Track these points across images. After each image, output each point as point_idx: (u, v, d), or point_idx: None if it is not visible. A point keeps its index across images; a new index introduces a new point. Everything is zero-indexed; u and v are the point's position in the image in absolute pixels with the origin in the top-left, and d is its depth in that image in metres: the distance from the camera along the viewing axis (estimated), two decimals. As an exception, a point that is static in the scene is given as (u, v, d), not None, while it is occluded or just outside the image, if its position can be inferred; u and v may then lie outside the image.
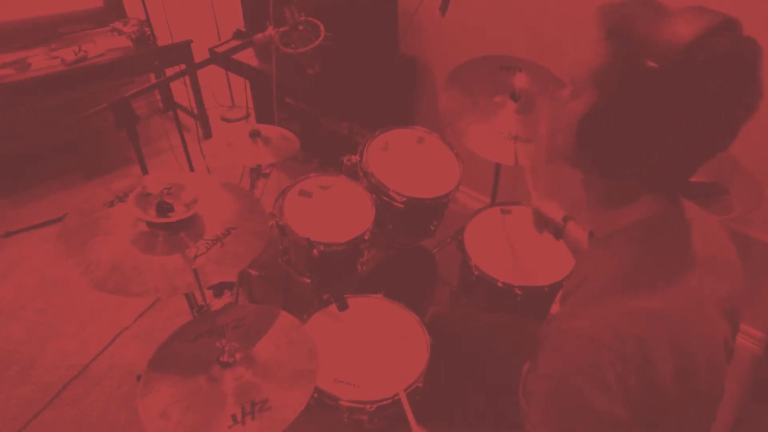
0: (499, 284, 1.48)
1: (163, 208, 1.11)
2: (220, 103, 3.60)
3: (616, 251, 0.76)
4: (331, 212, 1.50)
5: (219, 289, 1.98)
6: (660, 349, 0.66)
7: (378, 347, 1.29)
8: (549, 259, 1.57)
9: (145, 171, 1.33)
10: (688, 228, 0.76)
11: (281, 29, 1.38)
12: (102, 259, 1.05)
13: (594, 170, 0.76)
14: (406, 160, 1.68)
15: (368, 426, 1.29)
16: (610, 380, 0.65)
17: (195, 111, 3.21)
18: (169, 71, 3.24)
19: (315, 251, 1.32)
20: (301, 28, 1.39)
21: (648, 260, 0.73)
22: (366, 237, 1.44)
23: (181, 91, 3.29)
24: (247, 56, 2.80)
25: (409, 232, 1.68)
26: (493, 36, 2.21)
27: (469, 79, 1.77)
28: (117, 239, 1.10)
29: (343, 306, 1.32)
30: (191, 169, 2.00)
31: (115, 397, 1.87)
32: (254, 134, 1.50)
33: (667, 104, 0.64)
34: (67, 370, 1.95)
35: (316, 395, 1.18)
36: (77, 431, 1.77)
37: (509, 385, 1.11)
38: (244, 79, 3.10)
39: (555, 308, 0.87)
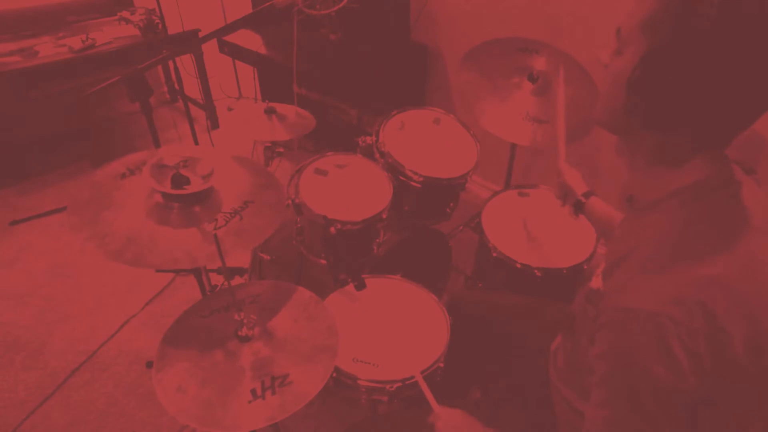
0: (518, 265, 1.45)
1: (179, 181, 1.09)
2: (228, 95, 3.57)
3: (666, 217, 0.73)
4: (348, 191, 1.47)
5: (230, 275, 1.95)
6: (728, 316, 0.63)
7: (397, 327, 1.26)
8: (568, 241, 1.54)
9: (158, 145, 1.31)
10: (740, 190, 0.72)
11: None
12: (117, 231, 1.02)
13: (645, 125, 0.73)
14: (423, 141, 1.65)
15: (386, 408, 1.26)
16: (677, 354, 0.62)
17: (202, 101, 3.19)
18: (178, 60, 3.22)
19: (332, 229, 1.29)
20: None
21: (702, 225, 0.70)
22: (384, 216, 1.41)
23: (188, 83, 3.27)
24: (256, 44, 2.78)
25: (424, 215, 1.65)
26: (506, 23, 2.17)
27: (485, 60, 1.75)
28: (131, 211, 1.07)
29: (360, 285, 1.29)
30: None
31: (123, 382, 1.84)
32: (269, 111, 1.47)
33: (726, 49, 0.61)
34: (76, 356, 1.93)
35: (334, 374, 1.15)
36: (86, 416, 1.74)
37: (536, 365, 1.08)
38: (252, 67, 3.07)
39: (597, 283, 0.83)
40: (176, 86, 3.41)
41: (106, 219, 1.04)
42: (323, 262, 1.44)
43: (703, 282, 0.65)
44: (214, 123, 3.32)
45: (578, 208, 1.22)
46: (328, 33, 1.51)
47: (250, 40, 2.81)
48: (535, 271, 1.44)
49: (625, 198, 0.85)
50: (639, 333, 0.65)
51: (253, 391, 0.94)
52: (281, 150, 1.54)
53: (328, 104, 2.80)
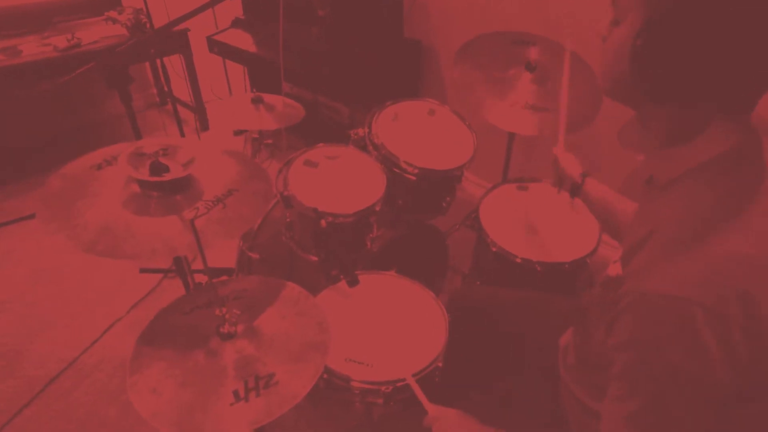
0: (518, 260, 1.39)
1: (158, 169, 1.02)
2: (218, 96, 3.51)
3: (691, 194, 0.66)
4: (340, 182, 1.40)
5: (217, 275, 1.88)
6: (765, 301, 0.56)
7: (392, 326, 1.18)
8: (569, 235, 1.48)
9: (138, 137, 1.23)
10: None
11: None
12: (90, 221, 0.95)
13: (655, 96, 0.66)
14: (417, 132, 1.58)
15: (381, 411, 1.18)
16: (708, 343, 0.55)
17: (192, 103, 3.12)
18: (167, 61, 3.16)
19: (323, 222, 1.21)
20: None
21: (734, 200, 0.63)
22: (377, 208, 1.34)
23: (178, 85, 3.20)
24: (246, 42, 2.73)
25: (420, 209, 1.58)
26: (500, 17, 2.13)
27: (480, 53, 1.70)
28: (106, 201, 1.00)
29: (353, 282, 1.22)
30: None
31: (105, 391, 1.75)
32: (256, 100, 1.40)
33: (735, 2, 0.54)
34: (56, 364, 1.84)
35: (325, 375, 1.07)
36: (65, 427, 1.65)
37: (544, 361, 1.01)
38: (243, 67, 3.01)
39: (615, 270, 0.76)
40: (165, 88, 3.35)
41: (79, 210, 0.97)
42: (314, 258, 1.36)
43: (736, 262, 0.58)
44: (203, 125, 3.25)
45: (575, 190, 1.16)
46: (317, 9, 1.45)
47: (240, 39, 2.76)
48: (536, 265, 1.38)
49: (643, 180, 0.78)
50: (663, 321, 0.58)
51: (236, 393, 0.86)
52: (269, 141, 1.47)
53: (320, 103, 2.74)
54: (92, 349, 1.89)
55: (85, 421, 1.67)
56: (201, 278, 1.81)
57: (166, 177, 0.99)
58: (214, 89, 3.47)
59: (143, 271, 2.09)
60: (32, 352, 1.88)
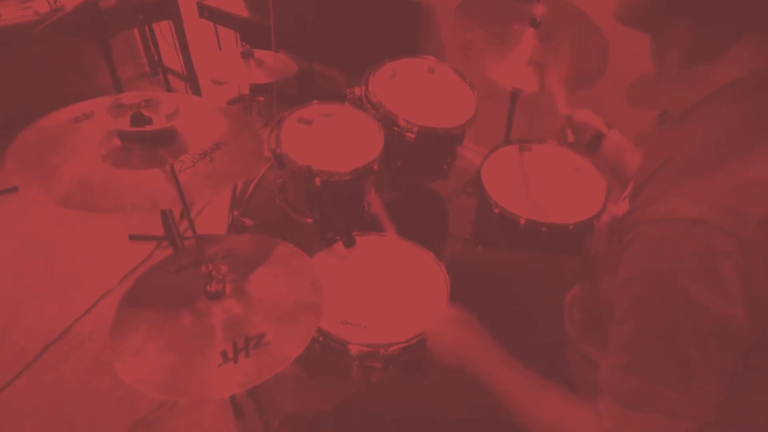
0: (522, 222, 1.33)
1: (140, 120, 0.95)
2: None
3: (711, 118, 0.60)
4: (335, 140, 1.33)
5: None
6: None
7: (391, 288, 1.13)
8: (573, 197, 1.42)
9: (120, 91, 1.16)
10: None
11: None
12: (66, 174, 0.88)
13: (674, 10, 0.59)
14: (417, 90, 1.51)
15: (380, 376, 1.14)
16: (727, 274, 0.49)
17: (183, 72, 3.02)
18: (156, 28, 3.06)
19: (317, 180, 1.15)
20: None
21: (759, 122, 0.56)
22: (375, 167, 1.27)
23: (169, 54, 3.10)
24: (238, 7, 2.63)
25: (420, 171, 1.52)
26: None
27: (482, 10, 1.62)
28: (84, 154, 0.93)
29: (349, 242, 1.16)
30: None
31: (98, 361, 1.71)
32: (246, 54, 1.33)
33: None
34: (47, 335, 1.79)
35: (321, 339, 1.02)
36: (56, 398, 1.61)
37: (549, 322, 0.96)
38: (234, 32, 2.91)
39: (622, 208, 0.70)
40: (155, 57, 3.24)
41: (53, 162, 0.90)
42: (309, 221, 1.30)
43: (762, 186, 0.51)
44: (196, 93, 3.15)
45: (595, 143, 1.10)
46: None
47: (230, 3, 2.66)
48: (541, 227, 1.32)
49: (657, 116, 0.72)
50: (677, 247, 0.51)
51: (224, 353, 0.81)
52: (261, 99, 1.39)
53: (314, 72, 2.65)
54: (84, 319, 1.85)
55: (77, 392, 1.63)
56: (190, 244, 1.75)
57: (148, 128, 0.92)
58: (206, 60, 3.37)
59: (133, 237, 2.03)
60: (21, 324, 1.84)
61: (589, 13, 1.56)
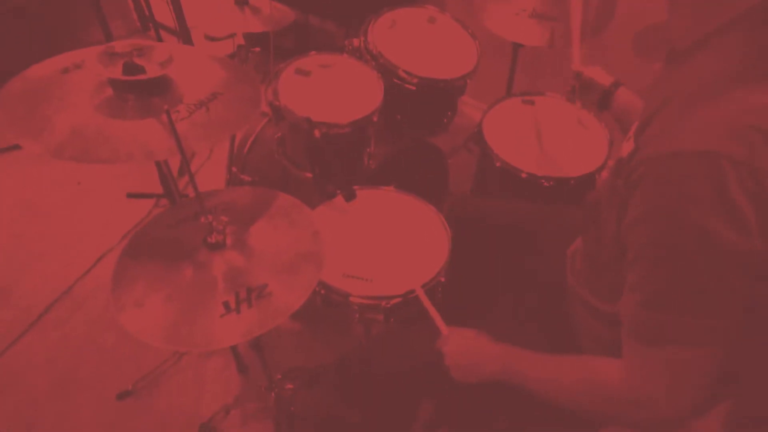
0: (524, 175, 1.31)
1: (132, 69, 0.92)
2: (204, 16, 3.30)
3: (720, 50, 0.58)
4: (334, 91, 1.30)
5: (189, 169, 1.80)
6: None
7: (391, 241, 1.13)
8: (577, 151, 1.40)
9: (110, 39, 1.12)
10: None
11: None
12: (58, 125, 0.86)
13: None
14: (417, 41, 1.46)
15: (381, 329, 1.15)
16: (740, 203, 0.48)
17: (176, 27, 2.93)
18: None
19: (317, 132, 1.13)
20: None
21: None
22: (374, 119, 1.25)
23: (161, 9, 3.00)
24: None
25: (420, 124, 1.49)
26: None
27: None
28: (76, 104, 0.90)
29: (350, 196, 1.15)
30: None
31: (101, 319, 1.73)
32: (240, 2, 1.28)
33: None
34: (50, 294, 1.80)
35: (323, 291, 1.02)
36: (62, 354, 1.64)
37: (550, 274, 0.96)
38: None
39: (627, 148, 0.68)
40: (146, 12, 3.14)
41: (44, 113, 0.88)
42: (309, 175, 1.28)
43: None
44: (190, 51, 3.07)
45: (605, 100, 1.08)
46: None
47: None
48: (543, 180, 1.31)
49: (665, 54, 0.69)
50: (687, 180, 0.50)
51: (226, 304, 0.81)
52: (257, 49, 1.35)
53: (310, 26, 2.57)
54: (85, 278, 1.85)
55: (82, 348, 1.65)
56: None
57: (142, 77, 0.90)
58: (200, 16, 3.27)
59: (131, 195, 2.02)
60: (24, 285, 1.84)
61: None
